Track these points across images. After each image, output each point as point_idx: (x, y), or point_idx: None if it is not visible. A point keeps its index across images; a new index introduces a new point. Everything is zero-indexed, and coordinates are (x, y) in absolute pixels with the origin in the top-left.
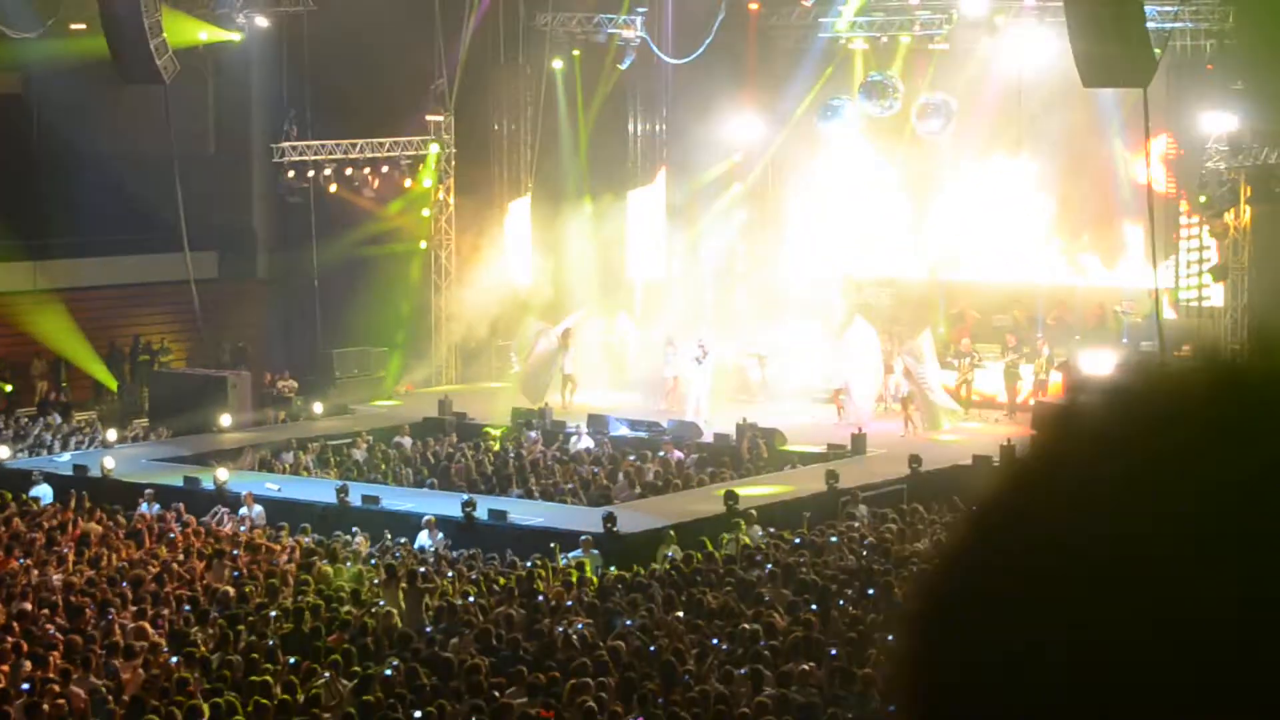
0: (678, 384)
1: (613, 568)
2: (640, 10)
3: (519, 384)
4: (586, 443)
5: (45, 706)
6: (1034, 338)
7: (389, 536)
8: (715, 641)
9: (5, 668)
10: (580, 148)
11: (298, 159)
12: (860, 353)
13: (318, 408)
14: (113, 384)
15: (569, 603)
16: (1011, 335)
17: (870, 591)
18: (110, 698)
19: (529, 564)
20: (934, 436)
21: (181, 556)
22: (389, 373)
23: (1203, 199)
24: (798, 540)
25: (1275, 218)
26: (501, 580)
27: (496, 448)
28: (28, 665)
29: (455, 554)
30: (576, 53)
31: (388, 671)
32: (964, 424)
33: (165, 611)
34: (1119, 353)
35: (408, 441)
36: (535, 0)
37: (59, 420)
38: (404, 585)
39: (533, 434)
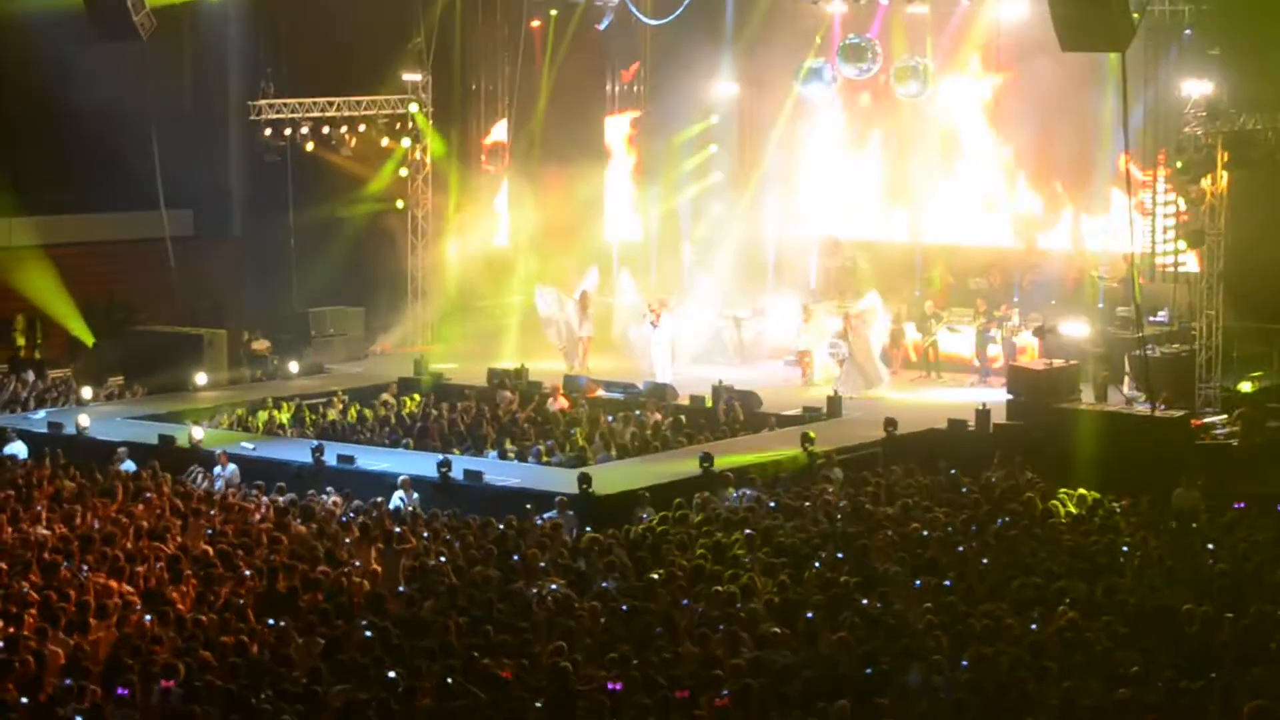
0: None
1: (588, 529)
2: None
3: (560, 350)
4: (560, 404)
5: (17, 664)
6: (1007, 301)
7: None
8: (685, 603)
9: None
10: (555, 108)
11: (274, 117)
12: (821, 319)
13: (293, 367)
14: (90, 339)
15: (542, 564)
16: (981, 300)
17: (840, 555)
18: (84, 655)
19: (503, 525)
20: (867, 395)
21: (156, 515)
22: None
23: (1179, 164)
24: (773, 504)
25: (1251, 183)
26: (476, 540)
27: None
28: (0, 623)
29: (429, 514)
30: (554, 13)
31: (368, 633)
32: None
33: (140, 570)
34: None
35: (393, 400)
36: None
37: (33, 378)
38: (380, 545)
39: (507, 394)
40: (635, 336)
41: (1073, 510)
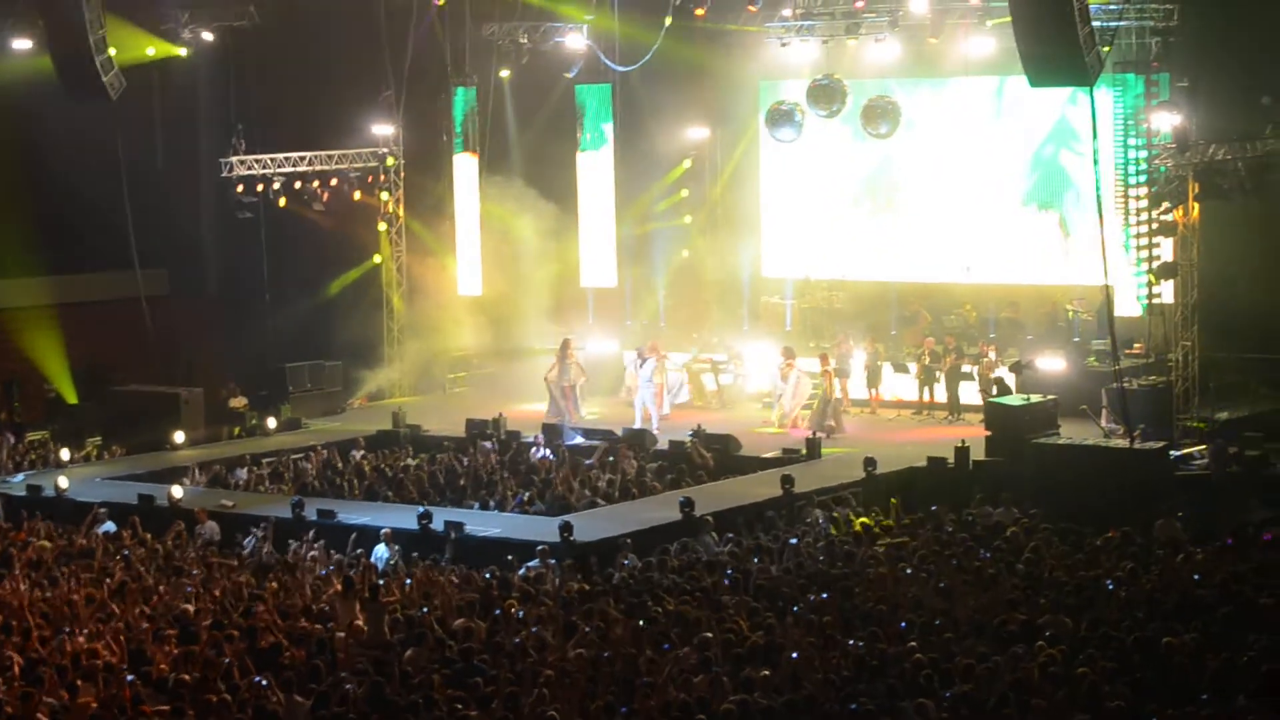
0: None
1: (576, 576)
2: (587, 18)
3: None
4: (544, 453)
5: None
6: (984, 338)
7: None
8: (667, 648)
9: None
10: (527, 158)
11: (246, 173)
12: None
13: (271, 423)
14: (73, 397)
15: (520, 613)
16: (950, 338)
17: (824, 595)
18: (69, 718)
19: (487, 575)
20: (820, 434)
21: (137, 574)
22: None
23: (1150, 197)
24: (756, 545)
25: (1223, 214)
26: (459, 592)
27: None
28: None
29: (411, 566)
30: (525, 61)
31: (348, 686)
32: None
33: (122, 630)
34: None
35: (358, 454)
36: (482, 10)
37: (13, 440)
38: (365, 596)
39: (487, 444)
40: (630, 383)
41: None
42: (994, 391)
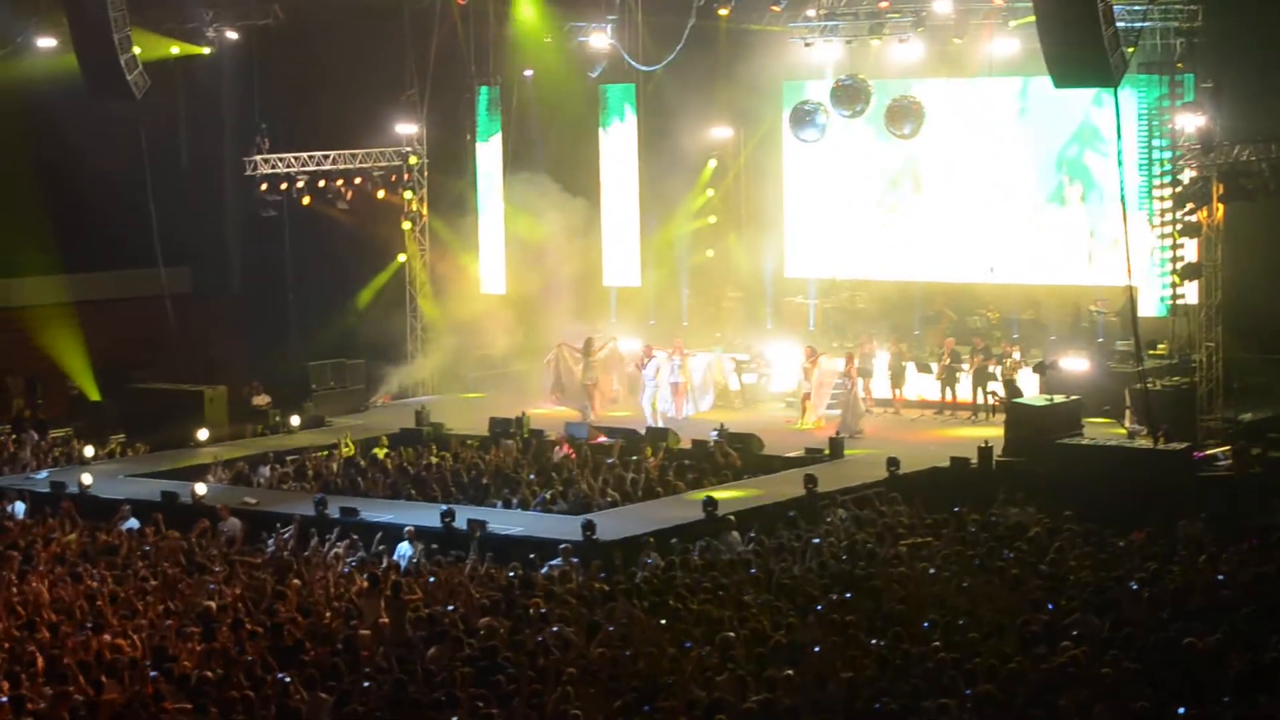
0: (679, 389)
1: (601, 574)
2: (611, 18)
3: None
4: (565, 451)
5: None
6: (1006, 338)
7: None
8: (689, 646)
9: None
10: (551, 157)
11: (270, 172)
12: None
13: (294, 421)
14: (97, 396)
15: (542, 611)
16: (978, 338)
17: (848, 595)
18: (93, 714)
19: (510, 573)
20: (844, 435)
21: (160, 571)
22: None
23: (1175, 197)
24: (778, 545)
25: (1247, 215)
26: (482, 590)
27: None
28: (6, 684)
29: (434, 564)
30: (547, 61)
31: (366, 684)
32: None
33: (145, 626)
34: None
35: (380, 453)
36: (506, 10)
37: (36, 438)
38: (388, 594)
39: (509, 443)
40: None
41: None
42: (1009, 391)
